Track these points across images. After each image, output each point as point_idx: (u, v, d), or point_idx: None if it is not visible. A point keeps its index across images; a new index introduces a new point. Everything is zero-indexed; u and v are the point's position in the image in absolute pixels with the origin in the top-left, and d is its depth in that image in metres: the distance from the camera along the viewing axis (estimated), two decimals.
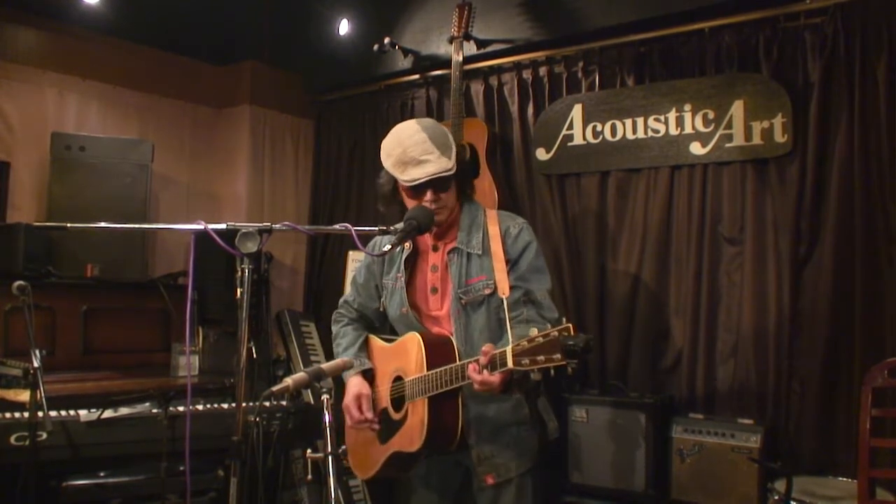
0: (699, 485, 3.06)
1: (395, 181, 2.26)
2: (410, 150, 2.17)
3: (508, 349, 1.84)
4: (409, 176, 2.17)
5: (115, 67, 4.22)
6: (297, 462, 3.61)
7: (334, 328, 2.55)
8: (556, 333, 1.74)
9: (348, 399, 2.32)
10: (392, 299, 2.37)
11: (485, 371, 1.93)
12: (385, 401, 2.31)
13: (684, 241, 3.44)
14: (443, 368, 2.06)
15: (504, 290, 2.13)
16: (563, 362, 1.71)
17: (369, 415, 2.29)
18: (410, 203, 2.25)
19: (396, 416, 2.25)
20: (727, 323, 3.33)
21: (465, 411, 2.15)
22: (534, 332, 1.79)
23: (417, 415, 2.13)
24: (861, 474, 2.40)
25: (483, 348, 1.96)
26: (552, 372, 1.75)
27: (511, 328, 1.92)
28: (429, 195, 2.19)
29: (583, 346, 1.69)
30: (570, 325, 1.74)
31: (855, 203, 3.02)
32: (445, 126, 3.63)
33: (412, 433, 2.15)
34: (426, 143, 2.17)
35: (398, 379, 2.27)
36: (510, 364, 1.82)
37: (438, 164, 2.15)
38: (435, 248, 2.33)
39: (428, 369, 2.11)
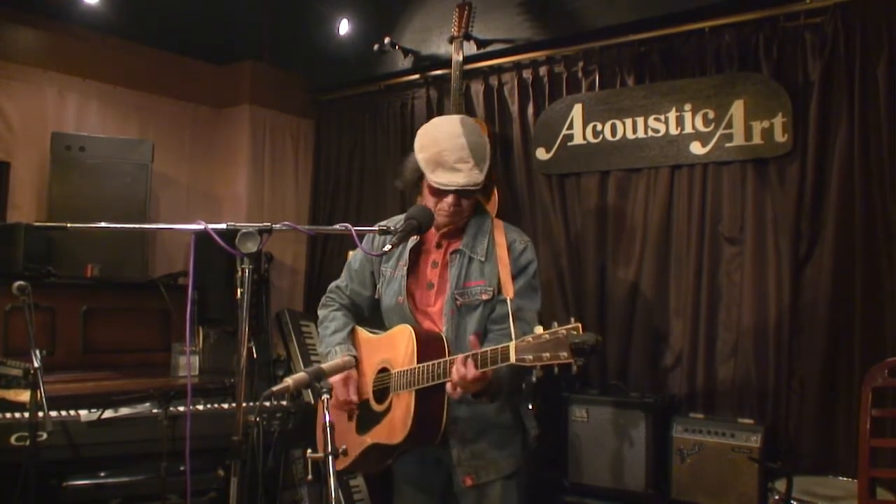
0: (699, 484, 3.06)
1: (421, 172, 2.24)
2: (447, 153, 2.15)
3: (511, 345, 1.83)
4: (439, 179, 2.16)
5: (115, 67, 4.22)
6: (297, 462, 3.60)
7: (322, 312, 2.52)
8: (563, 332, 1.73)
9: (337, 379, 2.27)
10: (389, 287, 2.36)
11: (468, 364, 1.92)
12: (367, 392, 2.30)
13: (684, 240, 3.44)
14: (434, 362, 2.05)
15: (509, 292, 2.14)
16: (570, 360, 1.71)
17: (355, 398, 2.27)
18: (429, 199, 2.24)
19: (378, 408, 2.23)
20: (727, 322, 3.33)
21: (450, 410, 2.14)
22: (539, 329, 1.78)
23: (402, 407, 2.12)
24: (861, 474, 2.40)
25: (470, 337, 1.98)
26: (556, 370, 1.74)
27: (514, 328, 1.91)
28: (450, 199, 2.18)
29: (592, 344, 1.69)
30: (579, 324, 1.73)
31: (855, 202, 3.02)
32: None
33: (395, 426, 2.14)
34: (464, 151, 2.14)
35: (383, 370, 2.26)
36: (512, 359, 1.82)
37: (470, 176, 2.14)
38: (438, 246, 2.33)
39: (418, 363, 2.10)
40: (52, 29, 3.99)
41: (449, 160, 2.14)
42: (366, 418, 2.28)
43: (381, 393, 2.24)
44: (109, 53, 4.20)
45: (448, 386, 1.98)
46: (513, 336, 1.85)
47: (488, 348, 1.92)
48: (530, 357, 1.77)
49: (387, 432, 2.17)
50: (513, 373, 2.04)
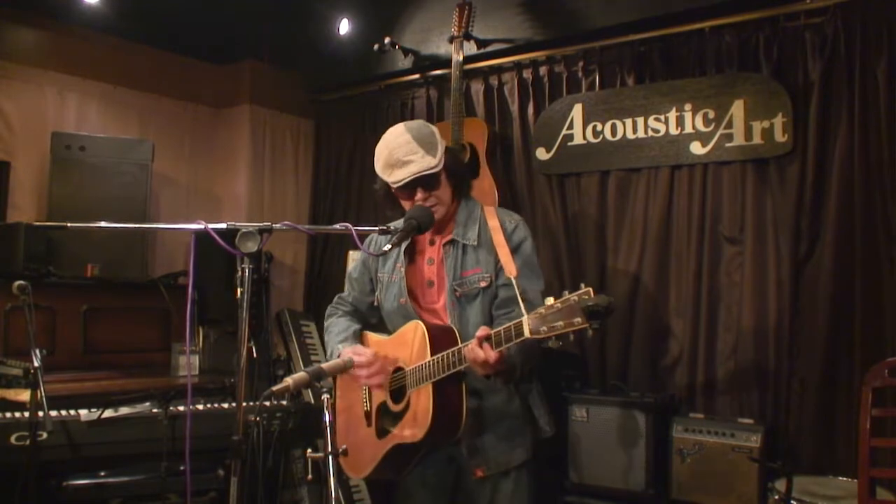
0: (699, 484, 3.06)
1: (388, 185, 2.27)
2: (395, 151, 2.19)
3: (525, 319, 1.82)
4: (394, 177, 2.20)
5: (116, 67, 4.23)
6: (297, 462, 3.61)
7: (327, 321, 2.53)
8: (575, 298, 1.71)
9: (346, 353, 2.23)
10: (388, 291, 2.37)
11: (485, 346, 1.93)
12: (383, 394, 2.29)
13: (684, 240, 3.44)
14: (447, 351, 2.05)
15: (512, 272, 2.13)
16: (585, 325, 1.69)
17: (369, 352, 2.23)
18: (406, 205, 2.26)
19: (396, 408, 2.22)
20: (727, 322, 3.33)
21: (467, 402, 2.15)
22: (550, 300, 1.77)
23: (421, 403, 2.11)
24: (861, 474, 2.40)
25: (482, 328, 1.97)
26: (572, 337, 1.73)
27: (524, 307, 1.90)
28: (419, 194, 2.21)
29: (605, 305, 1.67)
30: (590, 288, 1.72)
31: (855, 202, 3.02)
32: (444, 126, 3.66)
33: (416, 422, 2.13)
34: (410, 144, 2.18)
35: (398, 370, 2.25)
36: (527, 334, 1.80)
37: (422, 163, 2.17)
38: (432, 243, 2.34)
39: (432, 356, 2.09)
40: (53, 29, 3.99)
41: (399, 156, 2.18)
42: (385, 421, 2.27)
43: (398, 392, 2.23)
44: (110, 53, 4.21)
45: (466, 350, 1.97)
46: (524, 313, 1.84)
47: (501, 327, 1.91)
48: (545, 329, 1.75)
49: (408, 430, 2.16)
50: (525, 351, 2.03)
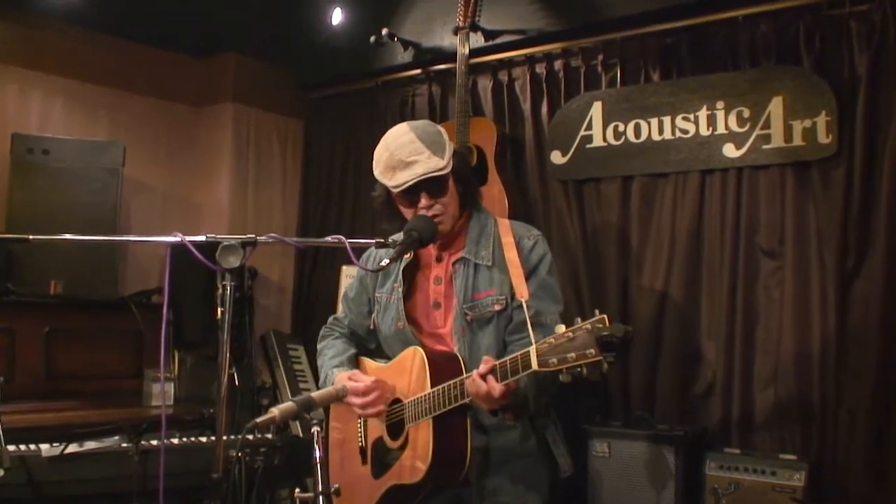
0: None
1: (388, 191, 2.26)
2: (397, 152, 2.17)
3: (532, 349, 1.81)
4: (397, 180, 2.17)
5: (83, 61, 4.25)
6: (283, 502, 3.59)
7: (320, 344, 2.53)
8: (588, 326, 1.71)
9: (341, 379, 2.23)
10: (385, 314, 2.36)
11: (489, 378, 1.92)
12: (379, 428, 2.28)
13: (717, 253, 3.44)
14: (448, 383, 2.04)
15: (523, 294, 2.12)
16: (599, 357, 1.68)
17: (367, 379, 2.23)
18: (408, 214, 2.25)
19: (394, 445, 2.22)
20: (766, 345, 3.32)
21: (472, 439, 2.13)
22: (561, 328, 1.77)
23: (421, 439, 2.10)
24: None
25: (484, 358, 1.96)
26: (584, 371, 1.72)
27: (533, 334, 1.89)
28: (423, 200, 2.19)
29: (621, 336, 1.67)
30: (605, 316, 1.71)
31: None
32: (449, 126, 3.66)
33: (415, 460, 2.12)
34: (414, 144, 2.17)
35: (396, 402, 2.24)
36: (535, 366, 1.80)
37: (428, 164, 2.15)
38: (439, 259, 2.33)
39: (432, 387, 2.08)
40: (13, 19, 4.01)
41: (402, 157, 2.16)
42: (382, 458, 2.26)
43: (396, 427, 2.22)
44: (76, 46, 4.23)
45: (468, 383, 1.97)
46: (532, 341, 1.84)
47: (507, 358, 1.91)
48: (554, 360, 1.75)
49: (407, 470, 2.15)
50: (538, 384, 2.02)
